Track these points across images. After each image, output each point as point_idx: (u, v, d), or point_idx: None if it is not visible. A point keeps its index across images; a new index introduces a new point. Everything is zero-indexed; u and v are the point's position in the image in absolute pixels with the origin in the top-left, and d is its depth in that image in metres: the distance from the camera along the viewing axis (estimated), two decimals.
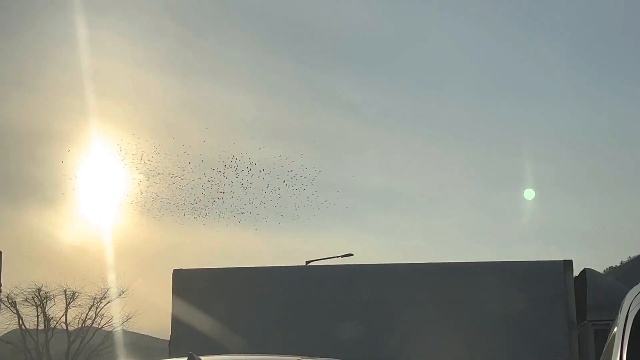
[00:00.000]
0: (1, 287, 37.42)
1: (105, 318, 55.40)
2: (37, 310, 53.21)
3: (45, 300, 53.37)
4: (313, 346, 15.58)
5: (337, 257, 54.33)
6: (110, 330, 57.07)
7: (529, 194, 55.42)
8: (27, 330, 53.00)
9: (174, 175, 48.51)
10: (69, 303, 53.90)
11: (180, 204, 49.93)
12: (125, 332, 58.31)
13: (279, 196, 50.97)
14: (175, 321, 17.37)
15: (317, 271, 19.82)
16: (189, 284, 17.66)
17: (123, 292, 54.48)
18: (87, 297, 54.29)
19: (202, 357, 6.20)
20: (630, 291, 4.13)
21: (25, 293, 52.38)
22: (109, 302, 54.85)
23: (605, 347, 5.41)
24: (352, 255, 55.30)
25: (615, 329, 4.14)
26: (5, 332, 50.85)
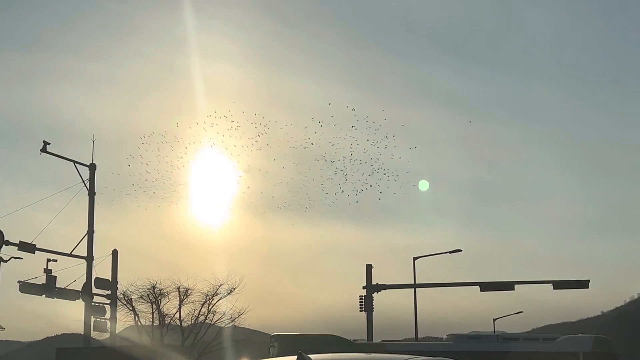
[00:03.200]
0: (118, 285, 38.63)
1: (217, 314, 56.27)
2: (152, 307, 54.41)
3: (159, 297, 54.53)
4: None
5: (445, 253, 53.86)
6: (222, 326, 57.95)
7: (423, 185, 52.10)
8: (143, 326, 54.27)
9: (274, 172, 49.02)
10: (182, 300, 54.95)
11: (281, 200, 50.50)
12: (236, 328, 59.11)
13: (379, 192, 50.81)
14: None
15: None
16: None
17: (234, 289, 55.31)
18: (200, 293, 55.22)
19: (311, 356, 6.22)
20: None
21: (140, 290, 53.72)
22: (220, 298, 55.71)
23: None
24: (460, 251, 54.77)
25: None
26: (123, 328, 52.25)
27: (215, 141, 48.50)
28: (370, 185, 49.86)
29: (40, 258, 34.10)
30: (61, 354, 21.41)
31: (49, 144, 35.08)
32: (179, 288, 54.57)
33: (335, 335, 26.23)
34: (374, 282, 46.43)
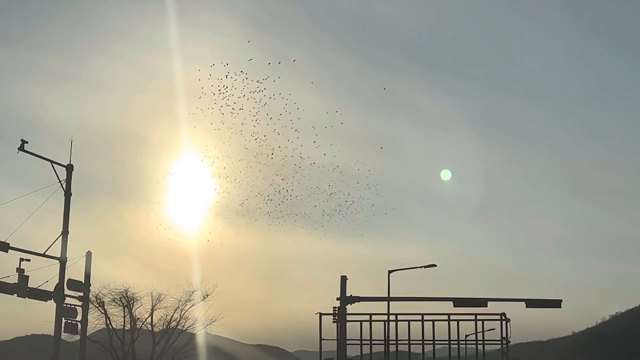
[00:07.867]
0: (90, 287, 38.37)
1: (189, 320, 56.14)
2: (124, 311, 54.19)
3: (132, 301, 54.32)
4: None
5: (420, 267, 53.80)
6: (194, 332, 57.79)
7: (446, 174, 52.56)
8: (114, 330, 53.99)
9: (250, 180, 49.00)
10: (155, 305, 54.78)
11: (256, 208, 50.45)
12: (208, 335, 58.97)
13: (353, 203, 50.91)
14: None
15: None
16: None
17: (207, 296, 55.18)
18: (173, 299, 55.10)
19: None
20: None
21: (113, 293, 53.46)
22: (193, 305, 55.57)
23: None
24: (435, 266, 54.72)
25: None
26: (93, 331, 51.91)
27: (193, 146, 48.47)
28: (342, 197, 49.98)
29: (13, 257, 33.86)
30: None
31: (27, 142, 34.81)
32: (151, 293, 54.43)
33: None
34: (347, 294, 46.31)
